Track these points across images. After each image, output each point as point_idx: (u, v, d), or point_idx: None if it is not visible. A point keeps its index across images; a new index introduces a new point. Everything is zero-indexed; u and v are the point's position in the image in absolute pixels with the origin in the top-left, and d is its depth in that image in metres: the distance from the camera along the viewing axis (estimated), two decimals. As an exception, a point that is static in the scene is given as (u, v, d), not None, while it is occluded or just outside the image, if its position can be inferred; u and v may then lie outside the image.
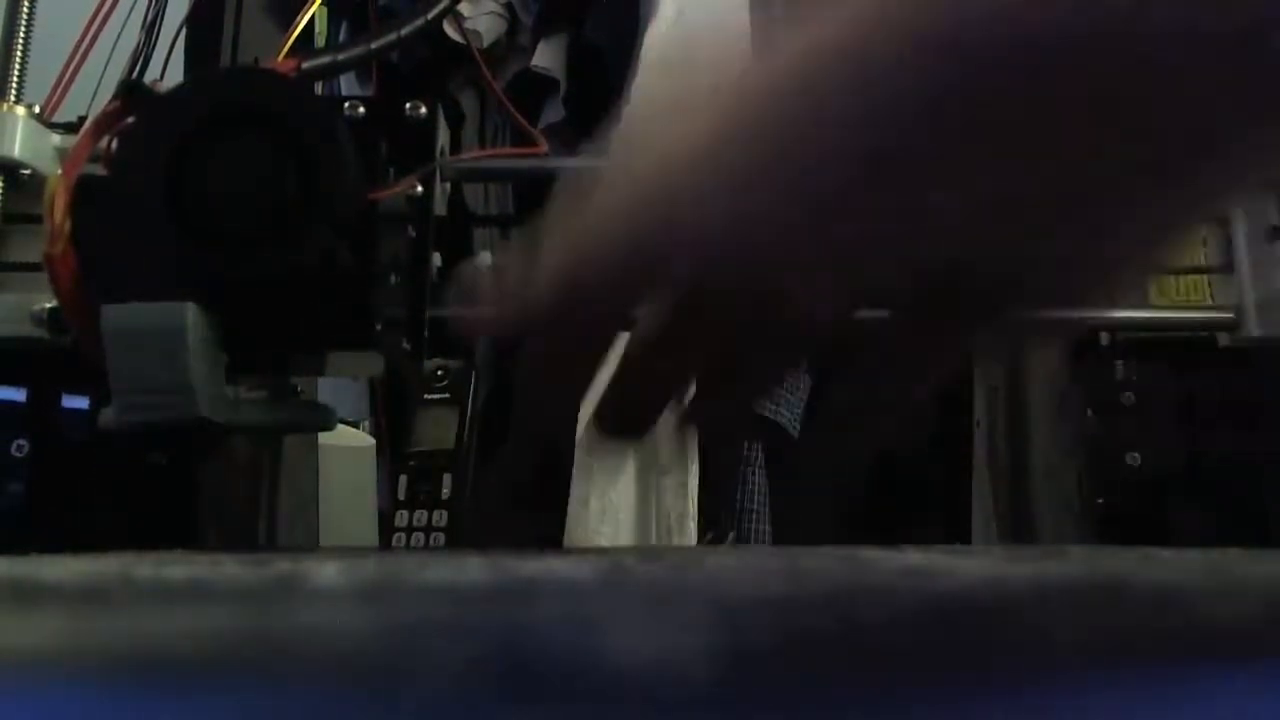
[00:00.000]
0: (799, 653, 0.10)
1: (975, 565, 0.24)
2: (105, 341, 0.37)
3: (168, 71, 0.60)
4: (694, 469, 0.81)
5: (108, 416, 0.40)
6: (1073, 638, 0.11)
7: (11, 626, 0.13)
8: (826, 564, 0.25)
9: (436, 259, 0.48)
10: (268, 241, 0.36)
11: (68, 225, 0.38)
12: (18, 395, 0.53)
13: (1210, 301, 0.57)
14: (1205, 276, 0.58)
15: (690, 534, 0.80)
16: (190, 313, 0.36)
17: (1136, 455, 0.57)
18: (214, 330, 0.37)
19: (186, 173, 0.37)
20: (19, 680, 0.09)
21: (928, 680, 0.09)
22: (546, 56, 0.95)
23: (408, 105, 0.45)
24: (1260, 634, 0.12)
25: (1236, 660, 0.10)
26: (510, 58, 0.98)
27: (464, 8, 0.77)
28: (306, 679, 0.09)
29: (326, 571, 0.22)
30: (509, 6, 0.97)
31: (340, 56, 0.44)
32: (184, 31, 0.63)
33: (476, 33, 0.91)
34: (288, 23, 0.66)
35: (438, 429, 0.76)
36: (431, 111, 0.46)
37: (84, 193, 0.38)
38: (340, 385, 0.76)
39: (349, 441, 0.73)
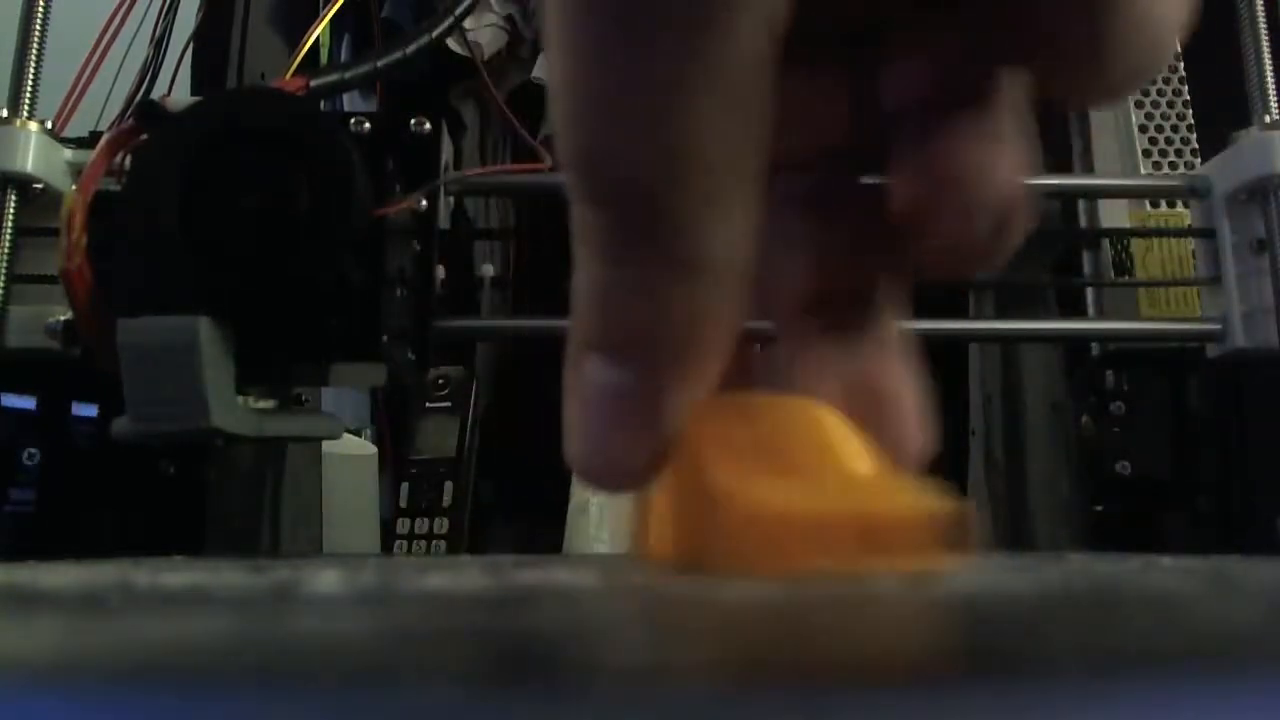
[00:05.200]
0: (798, 660, 0.10)
1: (977, 572, 0.24)
2: (120, 354, 0.37)
3: (175, 86, 0.61)
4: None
5: (121, 426, 0.40)
6: (1075, 645, 0.11)
7: (9, 634, 0.13)
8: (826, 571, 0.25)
9: (440, 271, 0.49)
10: (279, 257, 0.37)
11: (84, 241, 0.39)
12: (28, 404, 0.54)
13: (1198, 313, 0.58)
14: (1194, 289, 0.59)
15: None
16: (203, 326, 0.37)
17: (1127, 464, 0.58)
18: (226, 343, 0.38)
19: (199, 190, 0.38)
20: (16, 688, 0.09)
21: (929, 689, 0.09)
22: (547, 68, 0.96)
23: (412, 121, 0.46)
24: (1261, 641, 0.12)
25: (1238, 668, 0.10)
26: (511, 69, 0.98)
27: (466, 20, 0.78)
28: (305, 686, 0.09)
29: (325, 578, 0.22)
30: (510, 19, 0.98)
31: (347, 75, 0.45)
32: (191, 46, 0.63)
33: (478, 45, 0.92)
34: (293, 37, 0.67)
35: (439, 437, 0.77)
36: (435, 128, 0.47)
37: (100, 209, 0.39)
38: (342, 393, 0.77)
39: (351, 449, 0.74)
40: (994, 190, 0.17)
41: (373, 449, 0.77)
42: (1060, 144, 0.68)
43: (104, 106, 0.58)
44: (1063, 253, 0.66)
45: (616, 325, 0.17)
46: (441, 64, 0.91)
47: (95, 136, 0.52)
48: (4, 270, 0.48)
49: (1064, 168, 0.67)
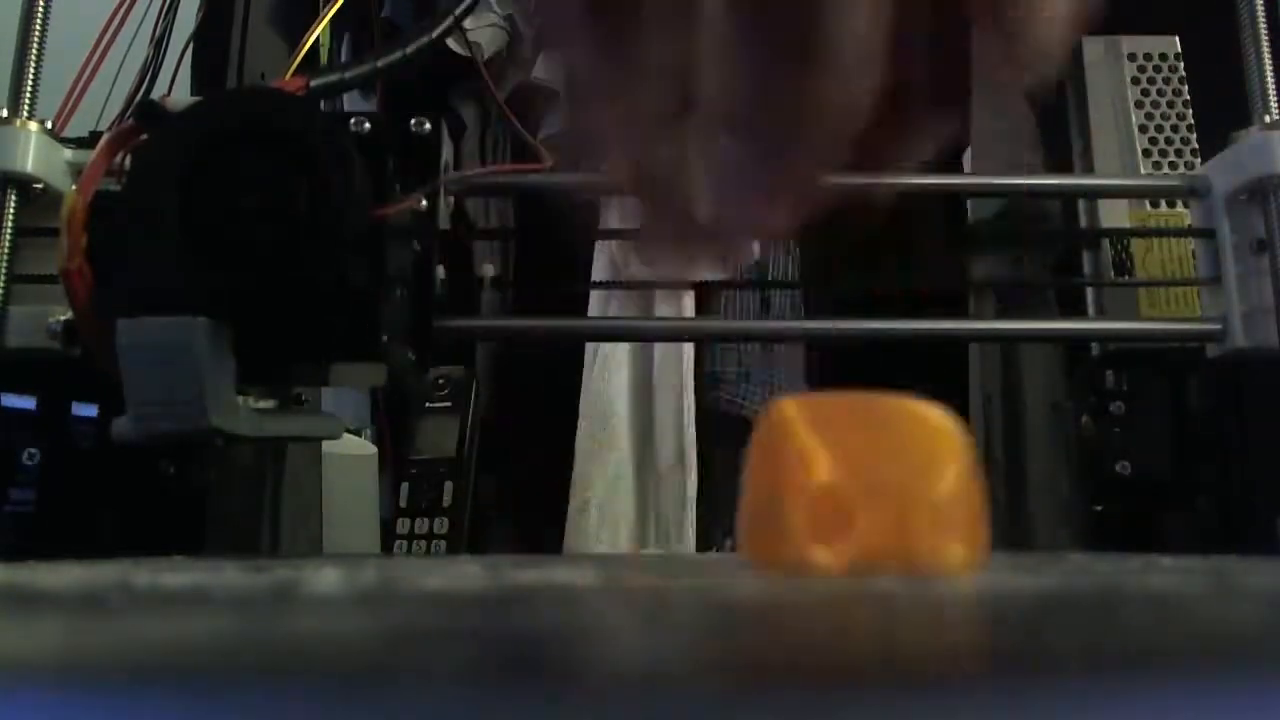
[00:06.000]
0: (796, 660, 0.11)
1: (978, 572, 0.24)
2: (119, 355, 0.37)
3: (175, 86, 0.61)
4: (692, 476, 0.82)
5: (121, 426, 0.40)
6: (1075, 645, 0.11)
7: (9, 634, 0.13)
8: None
9: (440, 272, 0.49)
10: (279, 258, 0.37)
11: (84, 241, 0.39)
12: (29, 404, 0.54)
13: (1198, 313, 0.58)
14: (1194, 289, 0.59)
15: (689, 540, 0.81)
16: (202, 327, 0.37)
17: (1127, 464, 0.58)
18: (225, 344, 0.38)
19: (199, 190, 0.38)
20: (16, 688, 0.09)
21: (929, 688, 0.09)
22: (547, 68, 0.96)
23: (412, 121, 0.46)
24: (1261, 641, 0.12)
25: (1238, 668, 0.10)
26: (511, 69, 0.98)
27: (466, 20, 0.78)
28: (305, 685, 0.09)
29: (325, 578, 0.22)
30: (510, 19, 0.98)
31: (347, 75, 0.45)
32: (191, 46, 0.63)
33: (478, 45, 0.92)
34: (293, 37, 0.67)
35: (439, 437, 0.77)
36: (435, 127, 0.47)
37: (100, 209, 0.39)
38: (342, 393, 0.77)
39: (351, 449, 0.74)
40: None
41: (373, 449, 0.77)
42: (1060, 144, 0.68)
43: (104, 106, 0.58)
44: (1063, 253, 0.66)
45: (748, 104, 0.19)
46: (441, 64, 0.91)
47: (95, 136, 0.52)
48: (4, 270, 0.48)
49: (1064, 168, 0.67)
